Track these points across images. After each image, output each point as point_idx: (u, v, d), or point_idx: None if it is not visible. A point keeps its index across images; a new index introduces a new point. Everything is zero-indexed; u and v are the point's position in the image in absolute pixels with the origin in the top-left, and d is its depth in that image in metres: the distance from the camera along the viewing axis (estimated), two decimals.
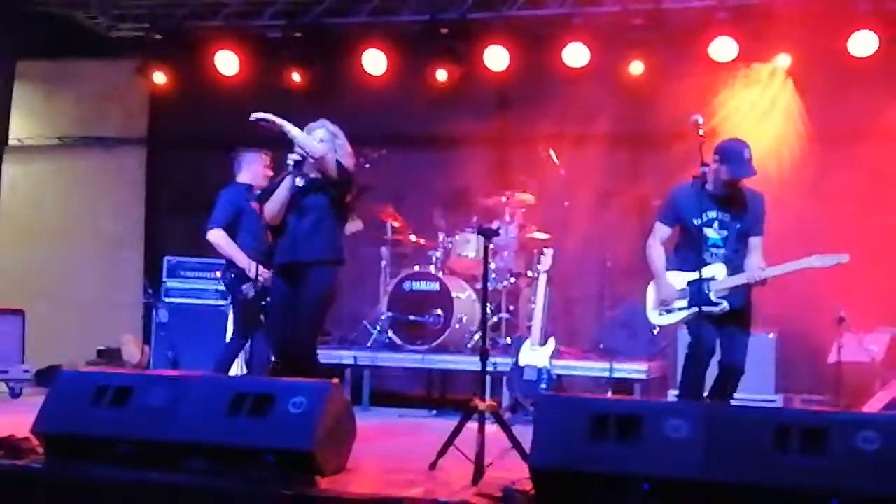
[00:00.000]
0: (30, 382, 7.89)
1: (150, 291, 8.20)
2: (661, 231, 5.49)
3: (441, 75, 8.56)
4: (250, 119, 5.46)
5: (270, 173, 6.50)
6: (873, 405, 6.20)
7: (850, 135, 7.69)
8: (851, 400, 6.75)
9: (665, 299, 5.40)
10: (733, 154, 5.21)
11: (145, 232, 9.84)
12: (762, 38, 7.80)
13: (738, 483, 3.90)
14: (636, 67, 8.06)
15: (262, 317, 6.29)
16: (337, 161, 5.48)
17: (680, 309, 5.36)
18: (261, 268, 6.11)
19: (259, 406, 4.45)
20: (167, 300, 8.06)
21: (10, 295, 8.86)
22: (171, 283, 8.11)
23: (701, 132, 5.04)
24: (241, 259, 6.28)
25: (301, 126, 5.66)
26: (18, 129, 10.04)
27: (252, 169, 6.56)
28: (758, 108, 7.85)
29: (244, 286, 6.25)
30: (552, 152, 7.95)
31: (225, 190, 6.57)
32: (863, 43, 7.53)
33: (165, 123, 9.86)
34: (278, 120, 5.45)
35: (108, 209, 9.96)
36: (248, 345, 6.62)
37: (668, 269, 5.44)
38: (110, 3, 9.11)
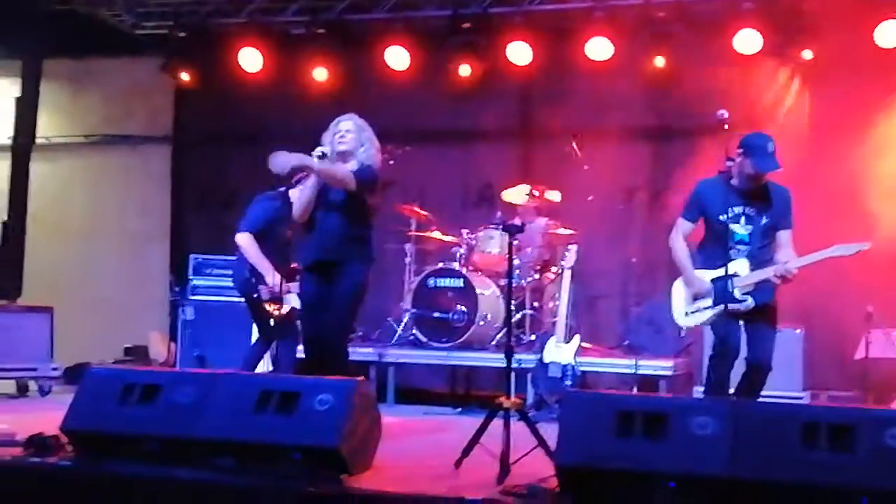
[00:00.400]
0: (58, 380, 7.95)
1: (177, 289, 8.25)
2: (684, 226, 5.42)
3: (464, 70, 8.57)
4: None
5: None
6: None
7: (877, 126, 7.61)
8: (880, 396, 6.69)
9: (697, 293, 5.30)
10: (757, 148, 5.16)
11: (171, 229, 9.92)
12: (787, 30, 7.73)
13: (765, 481, 3.86)
14: (659, 61, 8.02)
15: (270, 321, 6.31)
16: (359, 171, 5.42)
17: (706, 308, 5.28)
18: (279, 278, 6.16)
19: (286, 403, 4.46)
20: (193, 298, 8.10)
21: (38, 292, 8.96)
22: (197, 281, 8.15)
23: (726, 127, 5.00)
24: (265, 266, 6.26)
25: (328, 121, 5.65)
26: (45, 128, 10.17)
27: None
28: (779, 101, 7.77)
29: (262, 287, 6.24)
30: (575, 147, 7.92)
31: (264, 197, 6.45)
32: (890, 33, 7.46)
33: (190, 120, 9.92)
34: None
35: (135, 207, 10.05)
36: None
37: (693, 268, 5.38)
38: (135, 1, 9.19)
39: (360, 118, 5.65)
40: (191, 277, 8.17)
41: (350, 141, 5.48)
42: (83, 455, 4.60)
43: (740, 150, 5.19)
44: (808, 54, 7.71)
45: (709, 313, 5.27)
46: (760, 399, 5.28)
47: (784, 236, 5.27)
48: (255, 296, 6.30)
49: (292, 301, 6.31)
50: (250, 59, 8.98)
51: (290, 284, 6.29)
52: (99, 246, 9.97)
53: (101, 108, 10.19)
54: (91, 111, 10.22)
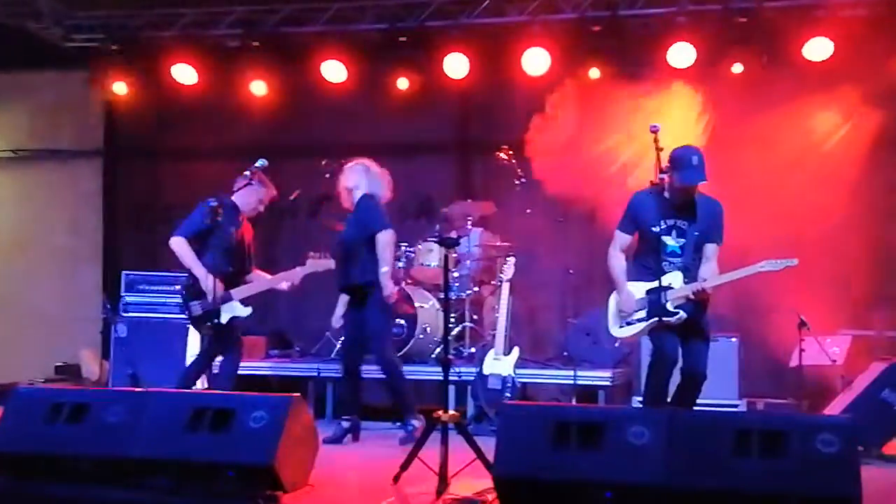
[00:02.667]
0: None
1: (109, 306, 8.07)
2: (621, 239, 5.47)
3: (401, 84, 8.56)
4: None
5: (262, 209, 6.39)
6: (835, 407, 6.25)
7: (804, 140, 7.77)
8: (814, 403, 6.81)
9: (623, 310, 5.38)
10: (682, 161, 5.22)
11: (103, 245, 9.72)
12: (719, 44, 7.86)
13: (700, 488, 3.91)
14: (594, 74, 8.11)
15: (209, 337, 6.15)
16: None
17: (639, 320, 5.34)
18: (216, 283, 5.99)
19: (219, 421, 4.41)
20: (126, 315, 7.95)
21: None
22: (129, 298, 8.00)
23: (657, 139, 5.06)
24: (199, 271, 6.07)
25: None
26: None
27: (246, 196, 6.28)
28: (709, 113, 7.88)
29: (192, 303, 6.10)
30: (513, 160, 7.94)
31: (203, 203, 6.19)
32: (818, 48, 7.64)
33: (122, 135, 9.76)
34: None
35: (64, 223, 9.83)
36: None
37: (628, 280, 5.42)
38: (64, 13, 9.00)
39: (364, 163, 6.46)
40: (123, 294, 8.02)
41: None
42: (10, 478, 4.49)
43: (667, 165, 5.25)
44: (738, 68, 7.85)
45: (642, 325, 5.33)
46: (696, 407, 5.35)
47: (710, 250, 5.33)
48: (186, 314, 6.13)
49: (235, 310, 6.15)
50: (184, 73, 8.84)
51: (232, 291, 6.15)
52: (28, 263, 9.73)
53: (28, 122, 9.96)
54: (18, 126, 9.99)
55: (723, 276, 5.22)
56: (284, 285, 6.35)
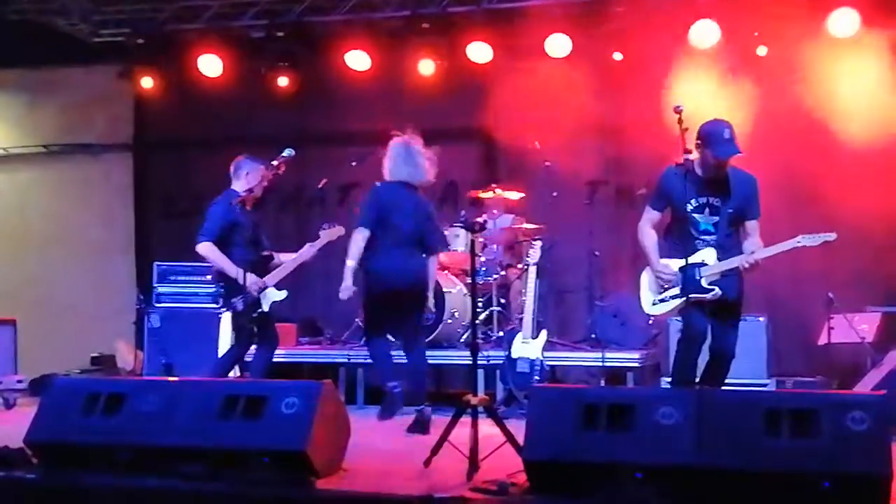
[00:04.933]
0: (24, 392, 7.88)
1: (142, 297, 8.18)
2: (651, 215, 5.41)
3: (424, 70, 8.59)
4: None
5: (265, 185, 6.40)
6: (865, 385, 6.23)
7: (833, 115, 7.70)
8: (844, 381, 6.78)
9: (665, 283, 5.30)
10: (713, 135, 5.16)
11: (135, 237, 9.84)
12: (742, 22, 7.81)
13: (731, 468, 3.91)
14: (617, 55, 8.09)
15: (254, 328, 6.18)
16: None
17: (673, 297, 5.28)
18: (252, 276, 6.05)
19: (252, 408, 4.47)
20: (158, 305, 8.06)
21: (0, 305, 8.85)
22: (161, 289, 8.11)
23: (681, 120, 5.03)
24: (231, 269, 6.09)
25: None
26: (3, 139, 10.08)
27: (249, 179, 6.30)
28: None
29: (234, 299, 6.16)
30: (537, 144, 7.95)
31: (217, 201, 6.28)
32: (844, 23, 7.56)
33: (151, 127, 9.86)
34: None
35: (96, 216, 9.95)
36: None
37: (660, 257, 5.39)
38: (91, 8, 9.10)
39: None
40: (155, 285, 8.12)
41: None
42: (48, 467, 4.57)
43: (699, 141, 5.20)
44: (762, 50, 7.79)
45: (676, 302, 5.28)
46: (725, 387, 5.34)
47: (751, 226, 5.27)
48: (232, 310, 6.20)
49: (273, 295, 6.21)
50: (210, 64, 8.94)
51: (266, 278, 6.20)
52: (61, 256, 9.86)
53: (59, 117, 10.08)
54: (49, 121, 10.11)
55: (766, 251, 5.15)
56: (309, 256, 6.44)
